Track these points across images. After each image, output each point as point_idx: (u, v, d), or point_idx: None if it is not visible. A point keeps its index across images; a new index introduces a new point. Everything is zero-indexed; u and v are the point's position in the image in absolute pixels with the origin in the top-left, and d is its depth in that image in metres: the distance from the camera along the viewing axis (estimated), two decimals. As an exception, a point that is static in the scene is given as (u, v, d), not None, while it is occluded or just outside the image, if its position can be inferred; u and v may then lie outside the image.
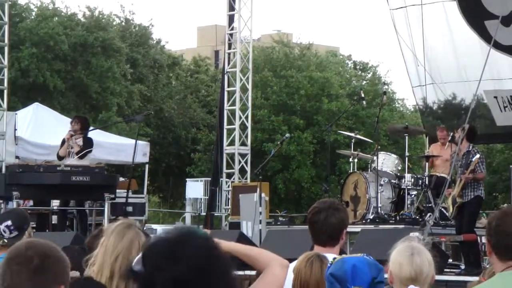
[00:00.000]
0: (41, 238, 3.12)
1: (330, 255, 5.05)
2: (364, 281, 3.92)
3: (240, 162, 20.82)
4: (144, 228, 16.72)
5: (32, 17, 35.42)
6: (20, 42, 33.79)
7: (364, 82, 40.90)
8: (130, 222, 4.33)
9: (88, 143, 14.77)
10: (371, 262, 4.01)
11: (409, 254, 4.22)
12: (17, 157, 17.40)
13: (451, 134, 13.22)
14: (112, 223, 4.40)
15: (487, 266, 13.50)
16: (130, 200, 16.06)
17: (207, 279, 2.51)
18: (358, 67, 43.37)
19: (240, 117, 20.92)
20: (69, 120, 20.77)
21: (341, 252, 5.48)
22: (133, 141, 22.33)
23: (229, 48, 21.28)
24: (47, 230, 14.87)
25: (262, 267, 3.92)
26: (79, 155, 14.60)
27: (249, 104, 21.36)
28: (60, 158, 14.75)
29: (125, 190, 15.79)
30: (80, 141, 14.66)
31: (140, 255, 2.59)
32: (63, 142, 14.78)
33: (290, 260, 4.92)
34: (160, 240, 2.57)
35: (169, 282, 2.50)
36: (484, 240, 15.66)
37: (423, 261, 4.22)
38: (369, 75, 42.21)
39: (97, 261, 4.23)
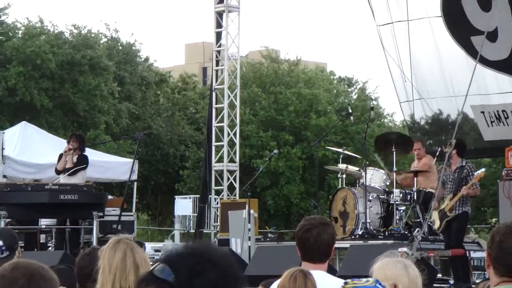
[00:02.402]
0: (29, 258, 3.10)
1: (319, 272, 5.05)
2: None
3: (228, 178, 20.83)
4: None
5: (19, 36, 35.38)
6: (7, 61, 33.75)
7: (353, 97, 41.00)
8: (119, 238, 4.38)
9: (82, 161, 14.82)
10: None
11: (403, 267, 4.24)
12: (4, 176, 17.34)
13: (439, 149, 13.25)
14: (105, 245, 4.44)
15: (477, 281, 13.53)
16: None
17: (237, 286, 2.60)
18: (345, 82, 43.47)
19: (229, 134, 20.94)
20: (57, 138, 20.85)
21: (329, 267, 5.49)
22: (121, 158, 22.40)
23: (217, 65, 21.32)
24: (35, 249, 14.80)
25: None
26: (68, 172, 14.62)
27: (237, 121, 21.39)
28: (58, 172, 14.86)
29: (114, 208, 15.75)
30: (75, 158, 14.75)
31: (161, 264, 2.59)
32: (61, 156, 14.89)
33: (279, 277, 4.93)
34: (184, 250, 2.62)
35: (208, 286, 2.54)
36: (472, 254, 15.69)
37: (416, 274, 4.25)
38: (357, 91, 42.31)
39: (98, 283, 4.27)
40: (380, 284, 3.84)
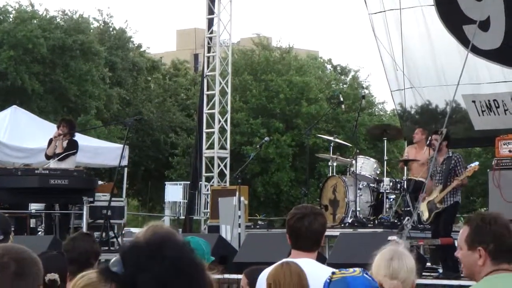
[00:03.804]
0: (19, 243, 3.09)
1: (308, 260, 5.06)
2: None
3: (219, 165, 20.81)
4: (123, 232, 16.69)
5: (10, 20, 35.23)
6: (-2, 45, 33.63)
7: (344, 85, 40.99)
8: (158, 223, 4.39)
9: (72, 146, 14.80)
10: (372, 283, 3.92)
11: (389, 258, 4.25)
12: (-6, 160, 17.32)
13: (429, 138, 13.27)
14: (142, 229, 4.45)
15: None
16: (108, 204, 16.00)
17: (187, 281, 2.51)
18: (337, 71, 43.43)
19: (220, 121, 20.90)
20: (47, 123, 20.78)
21: (319, 255, 5.50)
22: (111, 144, 22.36)
23: (209, 51, 21.27)
24: (25, 234, 14.80)
25: None
26: (58, 157, 14.61)
27: (229, 108, 21.36)
28: (48, 157, 14.84)
29: (104, 194, 15.74)
30: (65, 143, 14.73)
31: (117, 256, 2.55)
32: (50, 141, 14.86)
33: (269, 264, 4.93)
34: (140, 242, 2.54)
35: (152, 282, 2.47)
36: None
37: (401, 266, 4.25)
38: (349, 79, 42.28)
39: None
40: (367, 273, 3.86)
